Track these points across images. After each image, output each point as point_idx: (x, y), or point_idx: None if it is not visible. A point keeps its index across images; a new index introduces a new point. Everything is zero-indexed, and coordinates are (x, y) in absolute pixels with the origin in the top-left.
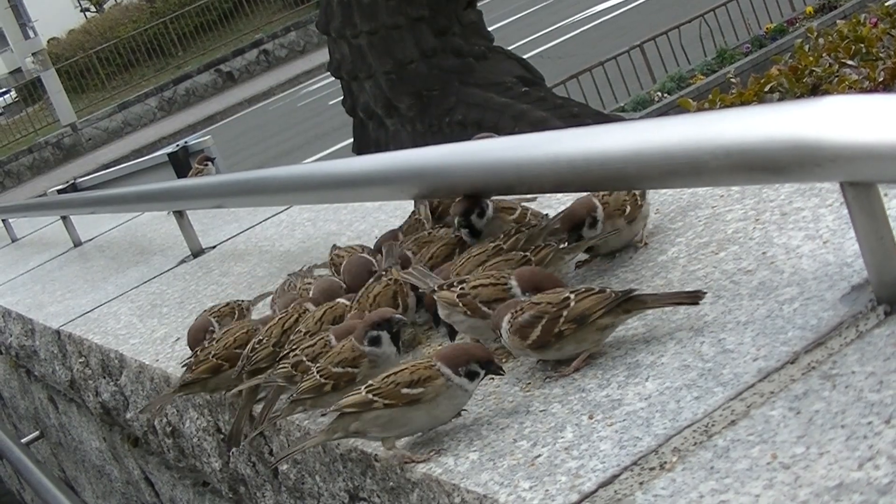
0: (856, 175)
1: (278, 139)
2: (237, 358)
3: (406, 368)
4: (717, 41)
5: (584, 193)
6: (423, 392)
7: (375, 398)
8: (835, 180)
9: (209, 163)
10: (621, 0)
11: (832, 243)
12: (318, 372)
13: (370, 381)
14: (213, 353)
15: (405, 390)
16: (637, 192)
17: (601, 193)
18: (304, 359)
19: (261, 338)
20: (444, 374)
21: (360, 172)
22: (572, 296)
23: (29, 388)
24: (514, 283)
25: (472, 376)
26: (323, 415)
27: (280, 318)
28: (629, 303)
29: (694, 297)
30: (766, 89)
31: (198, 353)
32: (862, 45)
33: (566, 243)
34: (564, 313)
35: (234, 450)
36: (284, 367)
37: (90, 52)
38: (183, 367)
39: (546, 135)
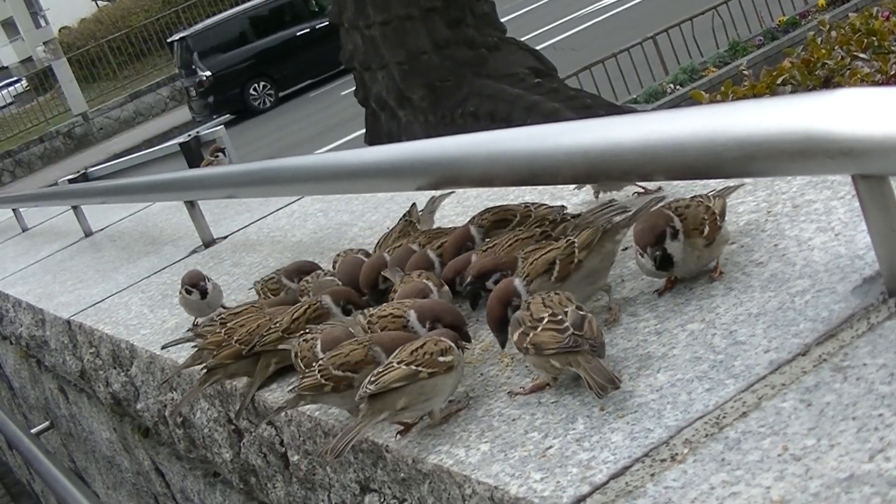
0: (867, 168)
1: (290, 129)
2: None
3: (427, 341)
4: (730, 33)
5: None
6: (453, 359)
7: (420, 368)
8: (846, 173)
9: (220, 153)
10: None
11: (844, 235)
12: (319, 371)
13: (396, 358)
14: (236, 338)
15: (441, 358)
16: (716, 211)
17: (675, 207)
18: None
19: (277, 320)
20: (454, 346)
21: (373, 163)
22: (546, 320)
23: (39, 379)
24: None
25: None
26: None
27: (293, 308)
28: (573, 356)
29: (602, 387)
30: (778, 82)
31: (209, 337)
32: (874, 38)
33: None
34: (531, 334)
35: (244, 441)
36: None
37: (102, 42)
38: (194, 347)
39: (559, 126)
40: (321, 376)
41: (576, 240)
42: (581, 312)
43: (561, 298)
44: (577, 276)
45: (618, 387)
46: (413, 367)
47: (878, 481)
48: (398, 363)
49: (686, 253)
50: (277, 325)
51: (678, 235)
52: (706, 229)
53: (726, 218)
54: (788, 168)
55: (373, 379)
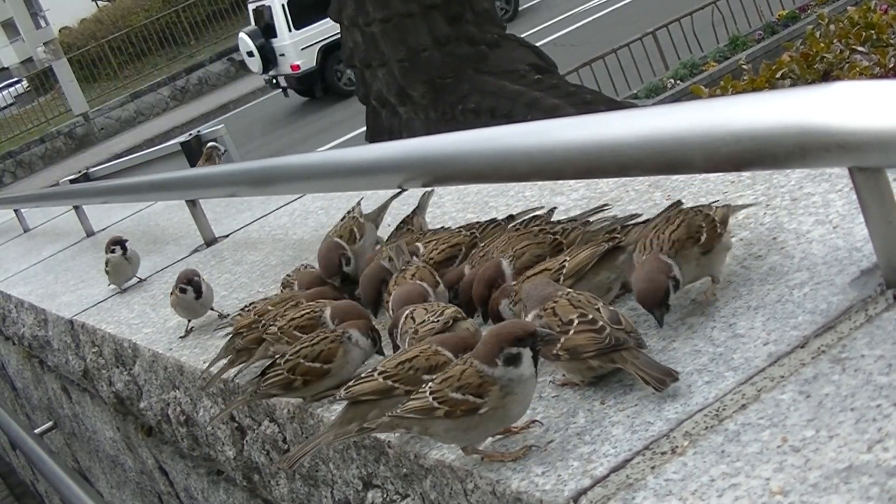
0: (864, 160)
1: (291, 128)
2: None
3: (419, 355)
4: (730, 28)
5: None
6: None
7: (396, 385)
8: (843, 166)
9: (215, 149)
10: None
11: (842, 228)
12: (431, 393)
13: (381, 367)
14: (263, 322)
15: (426, 377)
16: (716, 218)
17: (671, 219)
18: (303, 360)
19: (275, 315)
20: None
21: (373, 160)
22: (576, 322)
23: (42, 379)
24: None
25: None
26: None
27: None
28: (617, 354)
29: (660, 381)
30: (777, 76)
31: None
32: (872, 32)
33: None
34: (562, 339)
35: (247, 438)
36: (280, 375)
37: (102, 42)
38: (226, 335)
39: (557, 122)
40: (434, 399)
41: (567, 262)
42: (612, 308)
43: (587, 297)
44: None
45: (677, 379)
46: (389, 383)
47: (877, 471)
48: (379, 374)
49: (682, 273)
50: (260, 327)
51: (678, 285)
52: (703, 237)
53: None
54: (785, 161)
55: (349, 385)
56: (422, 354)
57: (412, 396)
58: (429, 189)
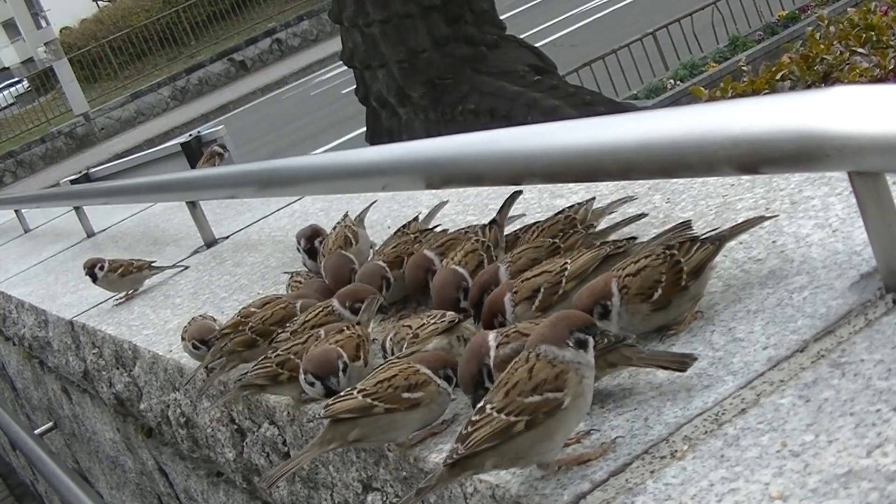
0: (863, 165)
1: (291, 128)
2: (271, 333)
3: (398, 373)
4: (730, 29)
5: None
6: (423, 396)
7: (376, 402)
8: (842, 170)
9: (217, 150)
10: None
11: (841, 232)
12: (499, 412)
13: (361, 385)
14: (250, 325)
15: (406, 395)
16: (686, 267)
17: (624, 271)
18: (293, 357)
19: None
20: (433, 380)
21: (373, 162)
22: None
23: (42, 379)
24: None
25: (449, 380)
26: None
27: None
28: (615, 354)
29: (681, 363)
30: (777, 77)
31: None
32: (872, 33)
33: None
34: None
35: (246, 440)
36: (268, 367)
37: (103, 42)
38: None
39: (557, 125)
40: (506, 414)
41: (569, 264)
42: None
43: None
44: (560, 307)
45: (696, 357)
46: (368, 401)
47: (876, 476)
48: (358, 392)
49: (623, 319)
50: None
51: (609, 314)
52: (656, 294)
53: (724, 215)
54: (784, 166)
55: (328, 403)
56: (401, 373)
57: (472, 426)
58: (444, 200)
